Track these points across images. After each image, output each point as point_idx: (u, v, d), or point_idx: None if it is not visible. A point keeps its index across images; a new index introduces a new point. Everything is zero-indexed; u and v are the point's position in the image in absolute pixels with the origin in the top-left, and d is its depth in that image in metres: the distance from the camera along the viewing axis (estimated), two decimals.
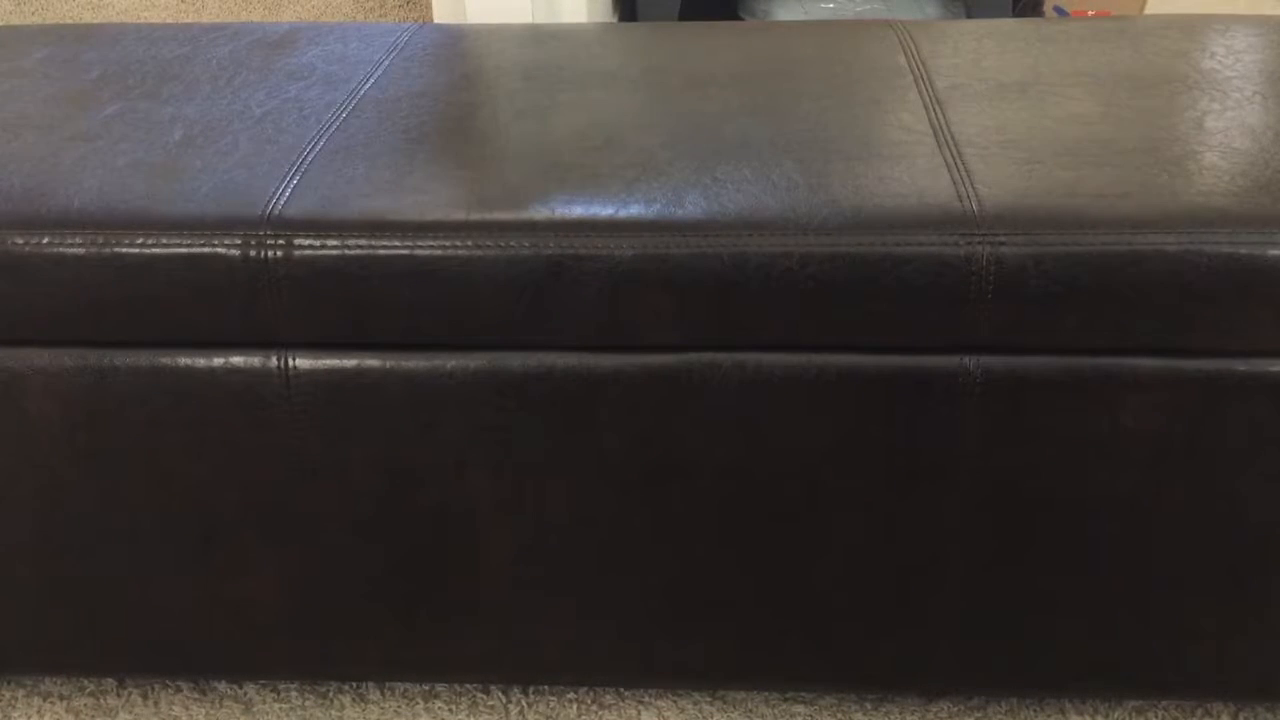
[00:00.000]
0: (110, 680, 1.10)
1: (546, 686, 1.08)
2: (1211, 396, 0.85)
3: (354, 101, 1.04)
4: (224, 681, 1.09)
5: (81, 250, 0.85)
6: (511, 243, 0.84)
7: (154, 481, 0.92)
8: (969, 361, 0.85)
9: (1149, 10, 2.38)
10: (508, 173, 0.91)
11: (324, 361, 0.88)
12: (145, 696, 1.08)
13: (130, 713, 1.07)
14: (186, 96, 1.06)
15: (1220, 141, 0.92)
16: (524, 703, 1.07)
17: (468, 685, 1.08)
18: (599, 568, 0.94)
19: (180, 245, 0.85)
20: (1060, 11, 2.35)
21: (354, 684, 1.09)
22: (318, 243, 0.84)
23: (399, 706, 1.06)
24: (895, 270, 0.82)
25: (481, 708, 1.06)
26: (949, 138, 0.94)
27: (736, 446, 0.88)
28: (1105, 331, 0.83)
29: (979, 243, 0.82)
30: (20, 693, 1.09)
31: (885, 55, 1.13)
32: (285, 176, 0.90)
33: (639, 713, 1.06)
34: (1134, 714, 1.04)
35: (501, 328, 0.86)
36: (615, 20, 2.24)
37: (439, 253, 0.84)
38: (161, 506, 0.93)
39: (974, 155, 0.91)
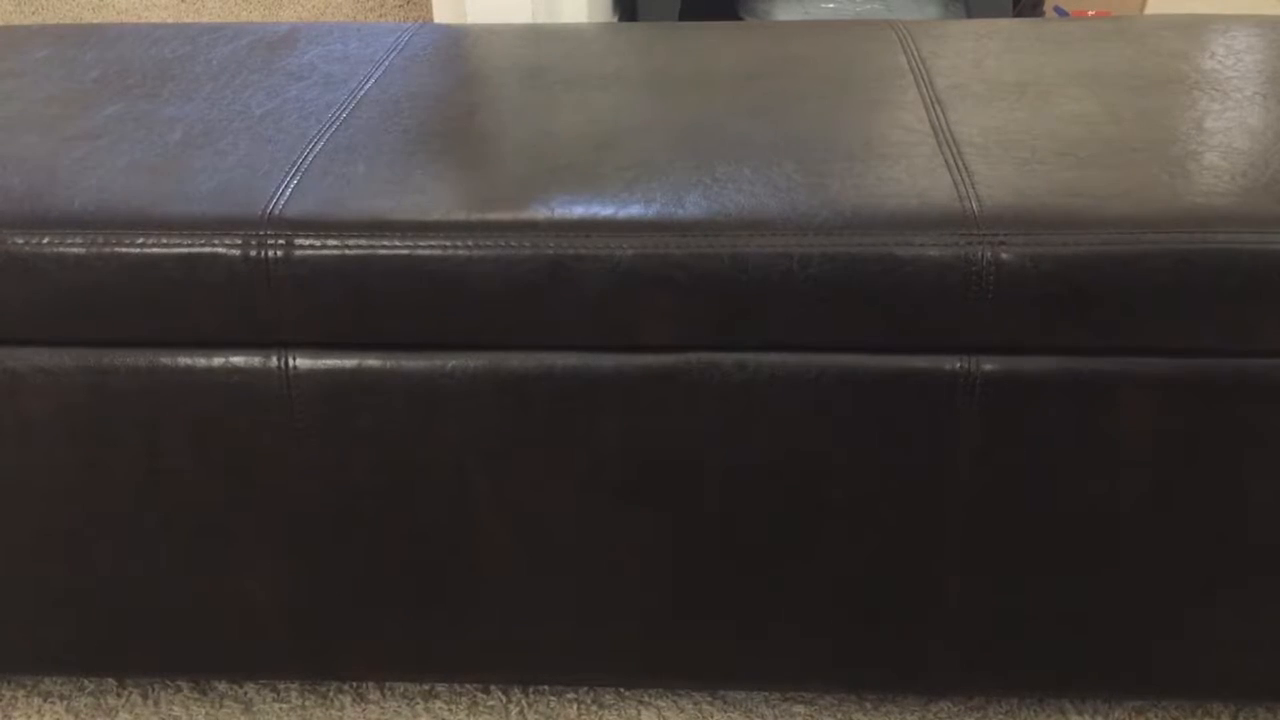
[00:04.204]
0: (110, 680, 1.10)
1: (546, 686, 1.08)
2: (1211, 396, 0.85)
3: (354, 101, 1.04)
4: (224, 681, 1.09)
5: (81, 250, 0.85)
6: (511, 243, 0.84)
7: (154, 481, 0.92)
8: (969, 361, 0.85)
9: (1149, 10, 2.38)
10: (508, 173, 0.91)
11: (324, 361, 0.88)
12: (145, 696, 1.08)
13: (130, 713, 1.07)
14: (186, 96, 1.06)
15: (1220, 141, 0.92)
16: (524, 703, 1.07)
17: (468, 685, 1.08)
18: (599, 567, 0.94)
19: (180, 245, 0.85)
20: (1060, 11, 2.35)
21: (354, 684, 1.09)
22: (318, 243, 0.84)
23: (399, 706, 1.06)
24: (895, 270, 0.82)
25: (481, 708, 1.06)
26: (949, 138, 0.94)
27: (736, 447, 0.88)
28: (1105, 331, 0.83)
29: (979, 243, 0.82)
30: (20, 693, 1.09)
31: (885, 55, 1.13)
32: (285, 176, 0.90)
33: (639, 713, 1.06)
34: (1134, 714, 1.04)
35: (501, 328, 0.86)
36: (615, 20, 2.24)
37: (439, 253, 0.84)
38: (161, 506, 0.93)
39: (974, 155, 0.91)
